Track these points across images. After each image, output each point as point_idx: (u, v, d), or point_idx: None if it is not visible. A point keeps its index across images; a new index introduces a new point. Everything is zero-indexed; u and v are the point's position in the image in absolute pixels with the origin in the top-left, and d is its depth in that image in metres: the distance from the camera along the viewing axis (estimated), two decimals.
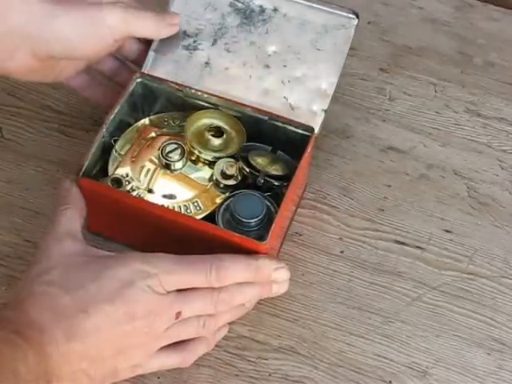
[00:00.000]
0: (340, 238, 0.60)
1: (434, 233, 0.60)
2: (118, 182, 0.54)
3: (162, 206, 0.53)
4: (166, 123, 0.59)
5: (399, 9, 0.75)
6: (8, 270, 0.57)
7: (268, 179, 0.54)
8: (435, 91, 0.69)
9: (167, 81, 0.58)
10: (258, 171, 0.55)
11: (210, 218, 0.54)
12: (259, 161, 0.55)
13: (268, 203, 0.54)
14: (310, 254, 0.59)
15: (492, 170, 0.64)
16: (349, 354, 0.54)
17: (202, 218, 0.53)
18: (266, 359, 0.54)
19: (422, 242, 0.60)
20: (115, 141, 0.57)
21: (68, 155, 0.63)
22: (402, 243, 0.60)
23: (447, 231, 0.60)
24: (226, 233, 0.51)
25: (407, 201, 0.62)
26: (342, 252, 0.59)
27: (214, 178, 0.55)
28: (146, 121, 0.59)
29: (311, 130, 0.56)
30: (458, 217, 0.61)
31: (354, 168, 0.64)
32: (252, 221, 0.52)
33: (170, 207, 0.54)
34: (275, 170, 0.55)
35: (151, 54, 0.59)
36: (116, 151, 0.56)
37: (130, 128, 0.58)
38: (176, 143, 0.56)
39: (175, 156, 0.56)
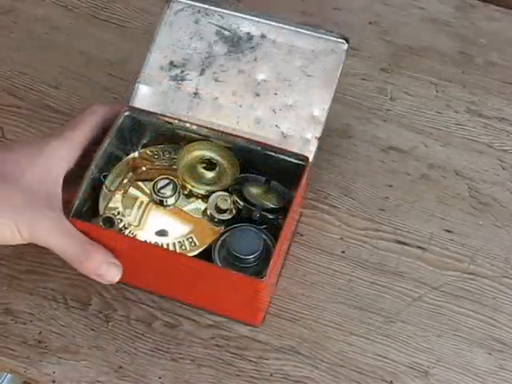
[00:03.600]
0: (341, 238, 0.60)
1: (435, 233, 0.60)
2: (109, 221, 0.53)
3: (155, 245, 0.52)
4: (156, 156, 0.58)
5: (400, 9, 0.75)
6: (8, 269, 0.57)
7: (264, 213, 0.53)
8: (436, 91, 0.69)
9: (155, 114, 0.56)
10: (253, 204, 0.53)
11: (206, 253, 0.52)
12: (254, 193, 0.54)
13: (265, 237, 0.53)
14: (311, 253, 0.59)
15: (493, 170, 0.64)
16: (350, 353, 0.54)
17: (197, 255, 0.52)
18: (267, 359, 0.54)
19: (423, 242, 0.60)
20: (105, 177, 0.55)
21: None
22: (403, 243, 0.60)
23: (448, 231, 0.60)
24: (223, 272, 0.50)
25: (408, 201, 0.62)
26: (343, 252, 0.59)
27: (208, 212, 0.54)
28: (135, 154, 0.57)
29: (305, 159, 0.54)
30: (459, 217, 0.61)
31: (354, 168, 0.64)
32: (250, 257, 0.51)
33: (165, 245, 0.53)
34: (271, 202, 0.54)
35: (137, 86, 0.57)
36: (106, 187, 0.55)
37: (120, 162, 0.56)
38: (168, 178, 0.55)
39: (167, 192, 0.54)
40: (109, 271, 0.51)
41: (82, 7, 0.74)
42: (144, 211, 0.55)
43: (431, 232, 0.60)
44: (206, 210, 0.54)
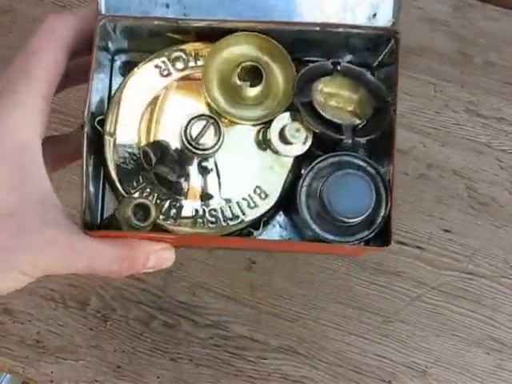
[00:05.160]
0: None
1: (434, 233, 0.60)
2: (142, 207, 0.36)
3: (215, 236, 0.38)
4: (164, 71, 0.40)
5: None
6: None
7: (358, 138, 0.36)
8: (435, 91, 0.69)
9: (145, 17, 0.39)
10: (335, 124, 0.37)
11: (282, 199, 0.39)
12: (330, 100, 0.38)
13: (367, 167, 0.37)
14: (309, 254, 0.59)
15: (491, 170, 0.64)
16: (348, 353, 0.54)
17: (272, 206, 0.39)
18: (265, 359, 0.54)
19: (422, 242, 0.60)
20: (101, 122, 0.38)
21: None
22: (402, 243, 0.60)
23: (447, 231, 0.60)
24: (335, 246, 0.38)
25: (407, 200, 0.62)
26: None
27: (272, 145, 0.38)
28: (132, 74, 0.40)
29: (389, 22, 0.39)
30: (457, 217, 0.61)
31: None
32: (361, 218, 0.36)
33: (225, 208, 0.38)
34: (360, 111, 0.37)
35: None
36: (108, 134, 0.39)
37: (116, 89, 0.40)
38: (203, 117, 0.37)
39: (209, 140, 0.37)
40: (159, 259, 0.38)
41: (81, 7, 0.74)
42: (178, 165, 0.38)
43: (430, 232, 0.60)
44: (264, 140, 0.39)
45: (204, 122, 0.37)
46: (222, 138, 0.37)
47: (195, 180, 0.39)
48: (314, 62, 0.40)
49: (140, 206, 0.36)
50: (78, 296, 0.56)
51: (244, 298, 0.56)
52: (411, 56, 0.71)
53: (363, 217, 0.35)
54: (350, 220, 0.36)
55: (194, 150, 0.37)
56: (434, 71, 0.70)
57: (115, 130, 0.39)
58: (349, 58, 0.41)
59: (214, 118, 0.37)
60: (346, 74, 0.39)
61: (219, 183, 0.39)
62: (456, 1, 0.75)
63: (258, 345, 0.54)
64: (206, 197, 0.38)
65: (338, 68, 0.39)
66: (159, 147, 0.37)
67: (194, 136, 0.37)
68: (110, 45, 0.40)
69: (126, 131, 0.39)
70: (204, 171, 0.39)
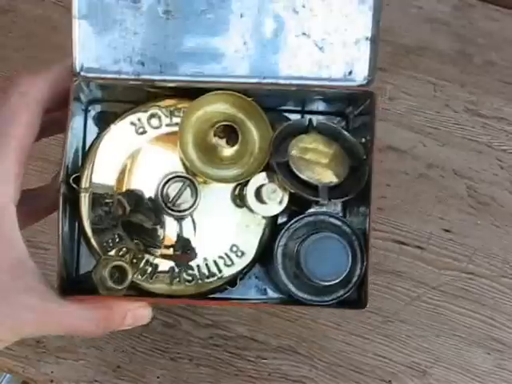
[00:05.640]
0: None
1: (434, 232, 0.60)
2: (119, 269, 0.36)
3: (192, 300, 0.39)
4: (140, 128, 0.40)
5: (398, 8, 0.75)
6: None
7: (333, 199, 0.36)
8: (435, 91, 0.69)
9: (121, 79, 0.38)
10: (312, 185, 0.36)
11: (258, 256, 0.39)
12: (306, 159, 0.37)
13: (342, 225, 0.38)
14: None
15: (492, 170, 0.64)
16: (348, 353, 0.54)
17: (248, 264, 0.39)
18: (265, 359, 0.54)
19: (422, 242, 0.60)
20: (76, 179, 0.38)
21: None
22: (402, 243, 0.59)
23: (447, 231, 0.60)
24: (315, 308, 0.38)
25: (407, 200, 0.62)
26: None
27: (248, 204, 0.37)
28: (108, 131, 0.39)
29: (365, 80, 0.38)
30: (457, 216, 0.61)
31: None
32: (338, 281, 0.36)
33: (202, 266, 0.38)
34: (335, 167, 0.37)
35: (76, 24, 0.38)
36: (83, 190, 0.38)
37: (91, 144, 0.40)
38: (179, 178, 0.37)
39: (186, 202, 0.37)
40: (136, 317, 0.39)
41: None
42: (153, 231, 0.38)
43: (430, 232, 0.60)
44: (240, 198, 0.38)
45: (180, 184, 0.36)
46: (198, 199, 0.37)
47: (171, 233, 0.38)
48: (287, 111, 0.40)
49: (117, 268, 0.36)
50: None
51: None
52: (411, 56, 0.71)
53: (339, 279, 0.36)
54: (327, 283, 0.36)
55: (170, 211, 0.37)
56: (434, 71, 0.70)
57: (90, 185, 0.38)
58: (324, 106, 0.41)
59: (191, 178, 0.37)
60: (322, 130, 0.39)
61: (195, 240, 0.38)
62: (456, 1, 0.75)
63: (258, 345, 0.54)
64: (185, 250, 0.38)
65: (313, 125, 0.39)
66: (133, 196, 0.37)
67: (170, 198, 0.36)
68: (82, 97, 0.40)
69: (101, 189, 0.38)
70: (180, 229, 0.38)
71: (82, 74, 0.38)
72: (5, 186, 0.35)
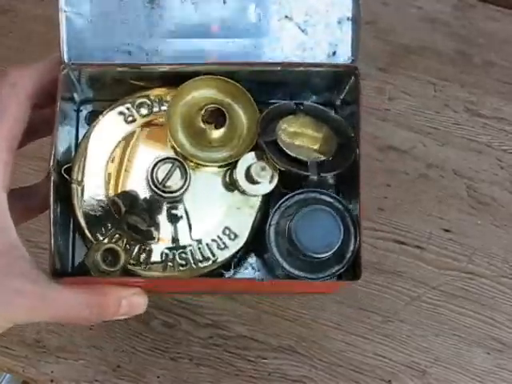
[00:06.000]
0: None
1: (434, 232, 0.60)
2: (111, 252, 0.36)
3: (184, 279, 0.38)
4: (129, 117, 0.40)
5: (398, 8, 0.75)
6: None
7: (323, 174, 0.36)
8: (435, 91, 0.69)
9: (108, 64, 0.38)
10: (301, 161, 0.37)
11: (251, 239, 0.39)
12: (294, 140, 0.37)
13: (334, 202, 0.37)
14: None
15: (491, 170, 0.64)
16: (348, 353, 0.54)
17: (242, 247, 0.39)
18: (265, 359, 0.54)
19: (422, 242, 0.60)
20: (68, 170, 0.39)
21: None
22: (402, 243, 0.60)
23: (447, 231, 0.60)
24: (304, 283, 0.38)
25: (407, 200, 0.62)
26: None
27: (239, 185, 0.38)
28: (98, 121, 0.40)
29: (349, 60, 0.39)
30: (457, 216, 0.61)
31: None
32: (330, 253, 0.36)
33: (194, 248, 0.38)
34: (324, 148, 0.37)
35: (63, 17, 0.38)
36: (75, 182, 0.39)
37: (81, 141, 0.40)
38: (168, 160, 0.37)
39: (176, 183, 0.37)
40: (132, 305, 0.38)
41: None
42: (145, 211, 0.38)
43: (430, 231, 0.60)
44: (231, 181, 0.39)
45: (170, 165, 0.37)
46: (188, 180, 0.37)
47: (165, 224, 0.38)
48: (276, 104, 0.40)
49: (109, 251, 0.36)
50: None
51: (244, 297, 0.56)
52: (411, 56, 0.71)
53: (332, 251, 0.36)
54: (320, 255, 0.36)
55: (160, 193, 0.37)
56: (434, 71, 0.70)
57: (83, 178, 0.39)
58: (313, 98, 0.41)
59: (180, 160, 0.37)
60: (309, 112, 0.39)
61: (189, 226, 0.39)
62: (456, 1, 0.75)
63: (258, 344, 0.54)
64: (175, 241, 0.38)
65: (301, 107, 0.39)
66: (128, 197, 0.38)
67: (160, 179, 0.37)
68: (75, 96, 0.41)
69: (94, 179, 0.39)
70: (174, 217, 0.38)
71: (70, 62, 0.38)
72: None
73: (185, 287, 0.41)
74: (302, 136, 0.38)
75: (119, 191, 0.39)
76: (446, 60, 0.71)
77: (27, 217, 0.41)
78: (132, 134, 0.40)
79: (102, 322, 0.38)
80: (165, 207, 0.38)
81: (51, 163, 0.37)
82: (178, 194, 0.37)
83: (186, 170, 0.37)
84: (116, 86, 0.40)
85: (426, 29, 0.73)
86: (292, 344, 0.54)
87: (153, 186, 0.37)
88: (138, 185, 0.38)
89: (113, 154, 0.39)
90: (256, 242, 0.39)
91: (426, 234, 0.60)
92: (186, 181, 0.37)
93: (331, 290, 0.48)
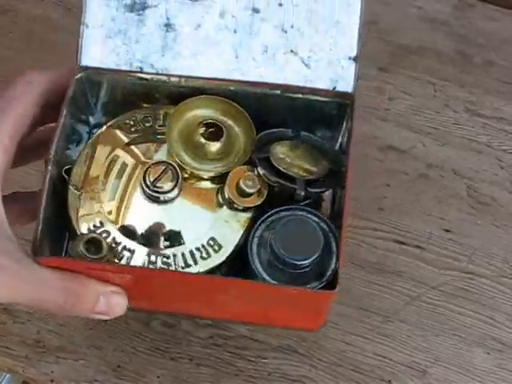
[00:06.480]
0: None
1: (434, 232, 0.60)
2: (94, 242, 0.37)
3: (170, 270, 0.38)
4: (133, 128, 0.42)
5: (398, 8, 0.75)
6: None
7: (309, 190, 0.38)
8: (434, 91, 0.69)
9: (119, 71, 0.41)
10: (289, 177, 0.39)
11: (236, 255, 0.40)
12: (285, 158, 0.39)
13: (319, 221, 0.39)
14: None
15: (491, 170, 0.64)
16: (348, 353, 0.54)
17: (225, 260, 0.39)
18: (265, 358, 0.54)
19: (422, 242, 0.60)
20: (68, 171, 0.40)
21: None
22: (402, 242, 0.60)
23: (447, 231, 0.60)
24: (276, 289, 0.37)
25: (406, 200, 0.62)
26: None
27: (227, 197, 0.39)
28: (103, 129, 0.42)
29: (347, 96, 0.40)
30: (457, 216, 0.61)
31: (353, 167, 0.64)
32: (308, 261, 0.37)
33: (179, 256, 0.39)
34: (311, 165, 0.39)
35: (84, 30, 0.42)
36: (73, 186, 0.40)
37: (85, 146, 0.42)
38: (162, 163, 0.39)
39: (166, 184, 0.39)
40: (110, 304, 0.38)
41: (81, 7, 0.74)
42: (134, 214, 0.40)
43: (430, 231, 0.60)
44: (221, 193, 0.40)
45: (162, 167, 0.39)
46: (178, 183, 0.39)
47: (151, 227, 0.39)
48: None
49: (92, 242, 0.37)
50: None
51: None
52: (411, 56, 0.71)
53: (310, 260, 0.36)
54: (297, 262, 0.36)
55: (151, 193, 0.39)
56: (434, 71, 0.70)
57: (82, 185, 0.40)
58: (311, 128, 0.43)
59: (172, 164, 0.39)
60: (305, 141, 0.41)
61: (175, 232, 0.39)
62: (456, 1, 0.75)
63: (258, 344, 0.54)
64: (166, 238, 0.39)
65: (298, 135, 0.41)
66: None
67: (151, 180, 0.39)
68: (90, 119, 0.43)
69: (92, 187, 0.40)
70: (160, 223, 0.39)
71: (85, 66, 0.41)
72: None
73: (163, 290, 0.40)
74: (295, 163, 0.40)
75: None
76: (446, 60, 0.71)
77: (25, 219, 0.41)
78: (132, 142, 0.42)
79: (76, 316, 0.38)
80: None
81: (51, 153, 0.38)
82: (168, 195, 0.39)
83: (177, 173, 0.39)
84: (124, 106, 0.43)
85: (426, 29, 0.73)
86: (292, 344, 0.54)
87: (145, 187, 0.39)
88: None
89: (113, 164, 0.41)
90: (239, 259, 0.39)
91: (426, 234, 0.60)
92: (176, 183, 0.39)
93: (313, 325, 0.46)
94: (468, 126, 0.67)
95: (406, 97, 0.69)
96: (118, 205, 0.40)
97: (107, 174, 0.40)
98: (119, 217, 0.40)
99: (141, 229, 0.39)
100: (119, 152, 0.41)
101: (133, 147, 0.41)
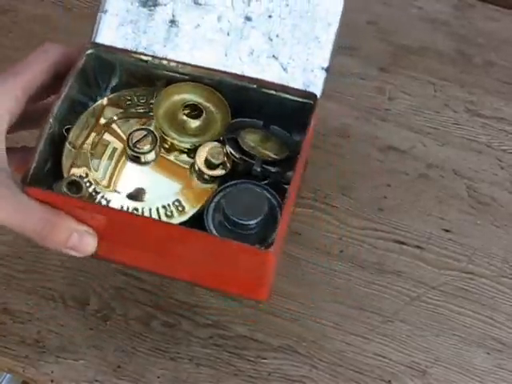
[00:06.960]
0: (339, 238, 0.60)
1: (434, 232, 0.60)
2: (76, 185, 0.44)
3: (134, 213, 0.45)
4: (129, 102, 0.49)
5: (399, 8, 0.75)
6: (8, 269, 0.57)
7: (265, 167, 0.45)
8: (434, 91, 0.69)
9: (125, 50, 0.49)
10: (252, 156, 0.46)
11: (196, 218, 0.46)
12: (251, 142, 0.47)
13: (268, 195, 0.45)
14: (309, 253, 0.59)
15: (491, 170, 0.64)
16: (348, 353, 0.54)
17: (187, 220, 0.45)
18: (265, 359, 0.54)
19: (422, 242, 0.60)
20: (67, 130, 0.47)
21: None
22: (402, 243, 0.60)
23: (447, 231, 0.60)
24: (220, 242, 0.43)
25: (407, 200, 0.62)
26: (341, 251, 0.59)
27: (197, 167, 0.46)
28: (103, 101, 0.49)
29: (312, 96, 0.47)
30: (457, 216, 0.61)
31: (353, 167, 0.64)
32: (252, 222, 0.43)
33: (146, 211, 0.45)
34: (272, 151, 0.47)
35: (100, 16, 0.49)
36: (70, 143, 0.46)
37: (86, 112, 0.48)
38: (145, 129, 0.47)
39: (145, 146, 0.46)
40: (82, 241, 0.43)
41: (81, 7, 0.74)
42: (117, 172, 0.47)
43: (430, 231, 0.60)
44: (193, 165, 0.47)
45: (144, 132, 0.47)
46: (156, 147, 0.47)
47: (128, 180, 0.47)
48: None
49: (74, 183, 0.44)
50: (77, 295, 0.56)
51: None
52: (411, 56, 0.71)
53: (254, 222, 0.43)
54: (244, 223, 0.43)
55: (132, 153, 0.46)
56: (434, 71, 0.70)
57: (81, 144, 0.47)
58: (280, 122, 0.48)
59: (152, 130, 0.47)
60: (274, 135, 0.48)
61: (147, 188, 0.46)
62: (456, 1, 0.76)
63: (258, 344, 0.54)
64: (138, 196, 0.46)
65: (266, 127, 0.48)
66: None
67: (134, 141, 0.46)
68: (97, 97, 0.50)
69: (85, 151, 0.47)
70: (138, 178, 0.47)
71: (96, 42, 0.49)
72: (5, 99, 0.44)
73: (129, 235, 0.45)
74: (260, 151, 0.47)
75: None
76: (446, 60, 0.71)
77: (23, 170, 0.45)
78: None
79: (47, 248, 0.43)
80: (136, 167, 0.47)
81: (54, 109, 0.45)
82: (145, 157, 0.46)
83: (156, 138, 0.47)
84: (127, 87, 0.50)
85: (426, 29, 0.73)
86: (292, 344, 0.54)
87: (128, 149, 0.46)
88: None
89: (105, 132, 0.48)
90: (198, 223, 0.45)
91: (426, 234, 0.60)
92: (154, 146, 0.46)
93: (259, 292, 0.48)
94: (468, 126, 0.67)
95: (406, 97, 0.69)
96: (105, 169, 0.47)
97: (101, 147, 0.47)
98: (105, 178, 0.46)
99: (121, 185, 0.46)
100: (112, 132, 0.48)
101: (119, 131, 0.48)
